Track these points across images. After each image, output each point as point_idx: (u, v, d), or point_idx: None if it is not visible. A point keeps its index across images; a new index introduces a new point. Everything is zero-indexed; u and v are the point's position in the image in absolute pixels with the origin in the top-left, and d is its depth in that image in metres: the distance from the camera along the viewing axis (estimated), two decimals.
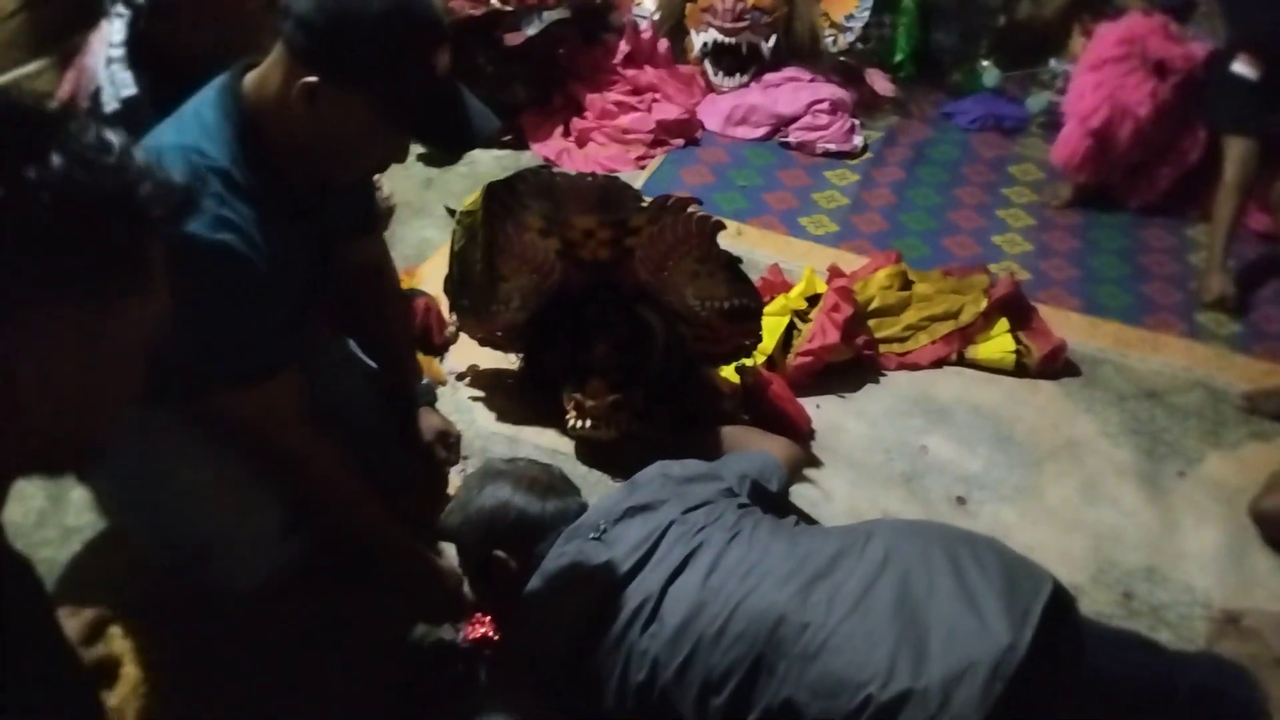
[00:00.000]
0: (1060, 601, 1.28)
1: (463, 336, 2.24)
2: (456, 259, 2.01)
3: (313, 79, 1.24)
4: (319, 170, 1.37)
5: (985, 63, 3.70)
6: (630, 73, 3.33)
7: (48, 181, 0.62)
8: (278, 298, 1.38)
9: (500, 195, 1.91)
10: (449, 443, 1.85)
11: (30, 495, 1.82)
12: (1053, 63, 3.56)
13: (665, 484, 1.51)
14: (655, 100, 3.30)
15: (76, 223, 0.63)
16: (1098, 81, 2.89)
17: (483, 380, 2.20)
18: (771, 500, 1.59)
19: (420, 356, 2.12)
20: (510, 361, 2.19)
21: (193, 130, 1.30)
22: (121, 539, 1.69)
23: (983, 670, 1.17)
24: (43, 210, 0.62)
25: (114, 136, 0.67)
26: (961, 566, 1.28)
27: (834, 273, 2.37)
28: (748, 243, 2.71)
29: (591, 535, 1.42)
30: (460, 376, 2.20)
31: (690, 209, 1.90)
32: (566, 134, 3.20)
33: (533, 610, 1.42)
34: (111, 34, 1.66)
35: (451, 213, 2.05)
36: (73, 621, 1.18)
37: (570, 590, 1.39)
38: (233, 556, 1.54)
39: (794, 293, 2.35)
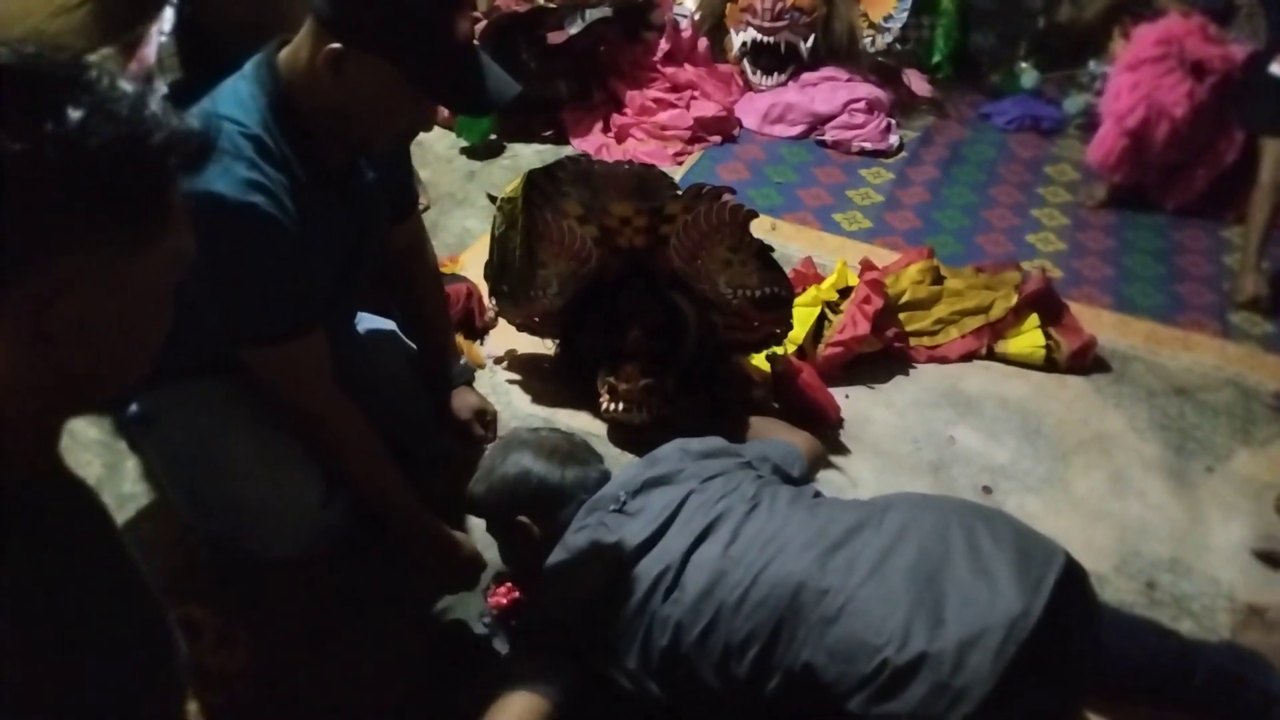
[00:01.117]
0: (1073, 573, 1.31)
1: (501, 322, 2.30)
2: (497, 245, 2.07)
3: (337, 45, 1.30)
4: (349, 138, 1.42)
5: (1024, 64, 3.72)
6: (670, 70, 3.39)
7: (64, 135, 0.64)
8: (307, 263, 1.42)
9: (540, 183, 1.97)
10: (485, 421, 1.90)
11: (88, 463, 1.91)
12: (1092, 65, 3.56)
13: (683, 457, 1.55)
14: (694, 98, 3.35)
15: (95, 172, 0.66)
16: (1135, 82, 2.89)
17: (520, 364, 2.26)
18: (791, 482, 1.62)
19: (461, 340, 2.18)
20: (546, 347, 2.25)
21: (228, 101, 1.36)
22: (165, 510, 1.76)
23: (996, 635, 1.20)
24: (61, 162, 0.64)
25: (128, 86, 0.69)
26: (976, 537, 1.31)
27: (866, 266, 2.41)
28: (782, 237, 2.75)
29: (612, 507, 1.46)
30: (498, 360, 2.26)
31: (724, 198, 1.95)
32: (606, 130, 3.26)
33: (555, 580, 1.46)
34: (164, 22, 1.74)
35: (493, 200, 2.11)
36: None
37: (591, 561, 1.43)
38: (271, 526, 1.59)
39: (826, 284, 2.39)
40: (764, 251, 1.96)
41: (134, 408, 1.58)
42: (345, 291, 1.64)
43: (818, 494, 1.52)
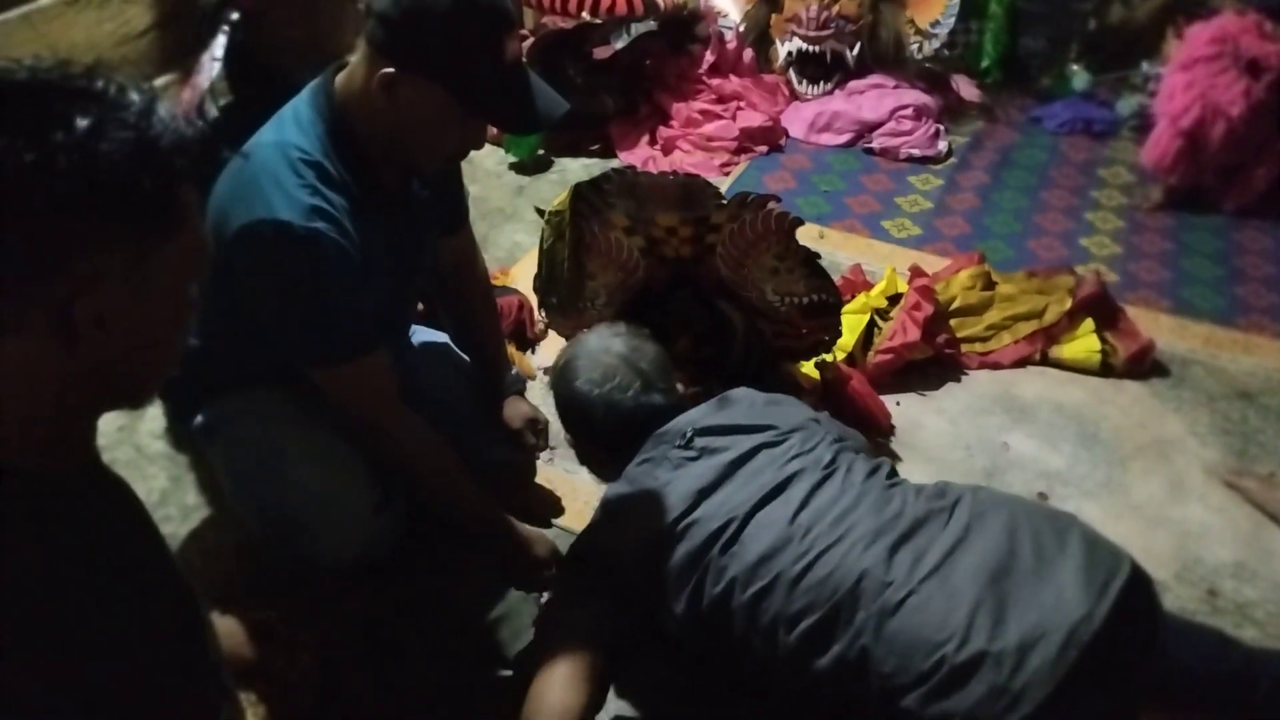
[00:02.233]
0: (1138, 581, 1.28)
1: (552, 333, 2.33)
2: (545, 257, 2.09)
3: (391, 70, 1.34)
4: (403, 160, 1.47)
5: (1075, 67, 3.67)
6: (715, 82, 3.40)
7: (75, 142, 0.68)
8: (368, 284, 1.47)
9: (587, 195, 1.99)
10: (537, 429, 1.93)
11: (153, 476, 1.97)
12: (1145, 66, 3.50)
13: (755, 404, 1.55)
14: (739, 108, 3.36)
15: (107, 177, 0.69)
16: (1189, 81, 2.84)
17: None
18: None
19: (513, 351, 2.21)
20: None
21: (289, 128, 1.41)
22: (233, 517, 1.81)
23: (1057, 638, 1.18)
24: (73, 169, 0.68)
25: (136, 94, 0.73)
26: (1042, 539, 1.30)
27: (915, 272, 2.39)
28: (830, 245, 2.75)
29: (678, 443, 1.47)
30: (549, 371, 2.28)
31: (769, 206, 1.96)
32: (653, 142, 3.28)
33: (612, 512, 1.47)
34: (215, 49, 1.80)
35: (541, 213, 2.14)
36: (229, 623, 1.25)
37: (650, 499, 1.43)
38: (327, 532, 1.63)
39: (875, 291, 2.38)
40: (810, 259, 1.97)
41: (199, 418, 1.63)
42: (401, 306, 1.68)
43: (893, 472, 1.48)
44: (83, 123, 0.68)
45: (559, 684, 1.36)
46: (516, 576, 1.69)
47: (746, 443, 1.45)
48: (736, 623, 1.34)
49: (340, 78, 1.44)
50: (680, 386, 1.80)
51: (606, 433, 1.55)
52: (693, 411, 1.55)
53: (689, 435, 1.47)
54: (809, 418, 1.54)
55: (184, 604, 0.85)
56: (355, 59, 1.43)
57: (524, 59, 1.45)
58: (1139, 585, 1.28)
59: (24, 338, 0.71)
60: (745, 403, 1.56)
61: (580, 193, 2.00)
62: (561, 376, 1.63)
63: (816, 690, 1.32)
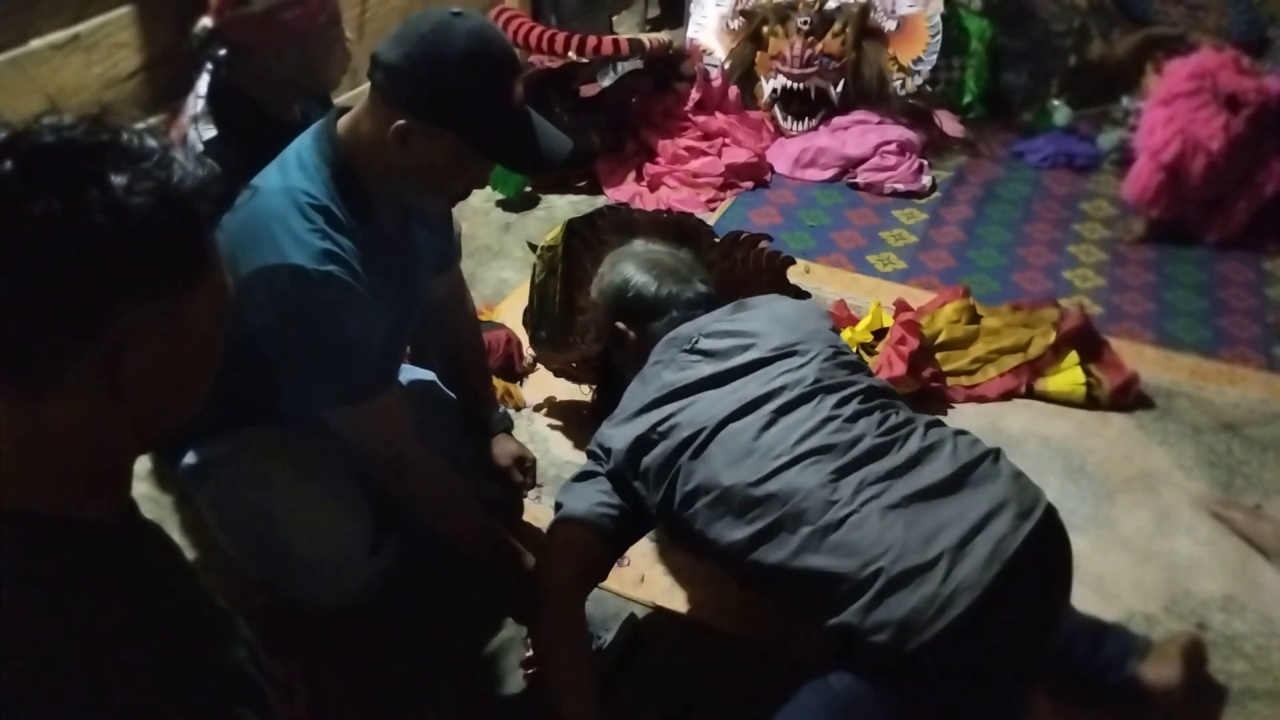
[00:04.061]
0: (1053, 518, 1.40)
1: (540, 367, 2.33)
2: (536, 291, 2.10)
3: (404, 122, 1.36)
4: (409, 202, 1.49)
5: (1056, 102, 3.72)
6: (701, 119, 3.43)
7: (110, 200, 0.69)
8: (376, 324, 1.48)
9: (580, 231, 2.00)
10: (525, 467, 1.93)
11: None
12: (1125, 100, 3.55)
13: (767, 314, 1.64)
14: (725, 145, 3.39)
15: (141, 229, 0.70)
16: (1169, 116, 2.89)
17: (558, 410, 2.28)
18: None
19: (503, 383, 2.22)
20: (584, 393, 2.27)
21: (294, 173, 1.42)
22: (219, 559, 1.80)
23: (984, 550, 1.28)
24: (111, 225, 0.69)
25: (153, 142, 0.73)
26: (978, 470, 1.40)
27: (900, 307, 2.41)
28: (815, 280, 2.77)
29: (684, 347, 1.58)
30: (538, 408, 2.29)
31: (761, 245, 1.97)
32: (639, 179, 3.30)
33: (621, 407, 1.59)
34: (200, 88, 1.82)
35: (533, 248, 2.15)
36: None
37: (648, 395, 1.54)
38: (320, 575, 1.63)
39: (860, 326, 2.39)
40: (799, 298, 1.98)
41: (187, 459, 1.62)
42: (397, 345, 1.69)
43: (872, 394, 1.52)
44: (117, 179, 0.69)
45: (564, 547, 1.51)
46: (525, 607, 1.66)
47: (743, 355, 1.54)
48: (699, 523, 1.44)
49: (344, 123, 1.45)
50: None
51: (657, 314, 1.67)
52: (707, 315, 1.65)
53: (695, 340, 1.58)
54: (813, 331, 1.61)
55: (233, 641, 0.84)
56: (360, 106, 1.44)
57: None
58: (1053, 521, 1.39)
59: (68, 394, 0.72)
60: (761, 309, 1.65)
61: (573, 228, 2.01)
62: (614, 273, 1.76)
63: (774, 589, 1.42)
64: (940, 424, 1.51)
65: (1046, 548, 1.36)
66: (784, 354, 1.54)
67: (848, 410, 1.46)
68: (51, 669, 0.71)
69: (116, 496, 0.81)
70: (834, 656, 1.35)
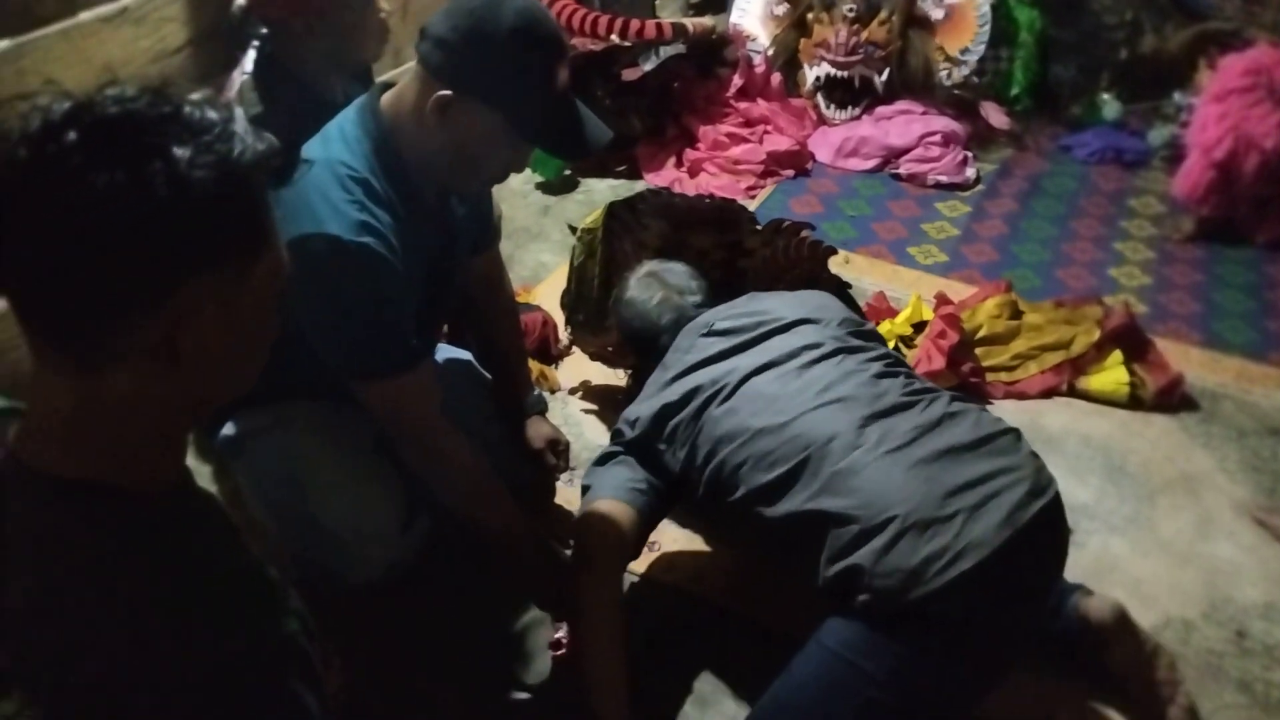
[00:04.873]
0: (1060, 504, 1.41)
1: (575, 350, 2.33)
2: (575, 274, 2.09)
3: (446, 92, 1.35)
4: (446, 180, 1.48)
5: (1106, 96, 3.65)
6: (743, 105, 3.41)
7: (173, 172, 0.69)
8: (410, 299, 1.48)
9: (620, 214, 1.99)
10: (558, 450, 1.93)
11: None
12: (1177, 96, 3.48)
13: (782, 298, 1.70)
14: (766, 132, 3.37)
15: (203, 201, 0.70)
16: (1222, 113, 2.82)
17: (593, 394, 2.28)
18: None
19: (539, 365, 2.22)
20: (618, 378, 2.27)
21: (337, 145, 1.42)
22: (255, 531, 1.81)
23: (999, 514, 1.31)
24: (173, 197, 0.68)
25: (214, 114, 0.73)
26: (999, 442, 1.43)
27: (941, 300, 2.38)
28: (855, 271, 2.74)
29: (703, 331, 1.63)
30: (573, 391, 2.28)
31: (803, 234, 1.95)
32: (679, 164, 3.29)
33: (644, 388, 1.65)
34: (245, 64, 1.82)
35: (573, 230, 2.15)
36: None
37: (671, 371, 1.60)
38: (354, 549, 1.63)
39: (899, 318, 2.36)
40: (842, 288, 1.95)
41: (226, 430, 1.64)
42: (432, 323, 1.69)
43: (898, 363, 1.58)
44: (180, 152, 0.69)
45: (599, 527, 1.52)
46: (542, 598, 1.67)
47: (761, 327, 1.59)
48: (723, 473, 1.47)
49: (388, 97, 1.45)
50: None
51: (658, 347, 1.73)
52: (722, 305, 1.71)
53: (711, 324, 1.64)
54: (827, 306, 1.68)
55: (286, 613, 0.84)
56: (405, 79, 1.44)
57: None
58: (1059, 506, 1.42)
59: (130, 367, 0.73)
60: (775, 295, 1.72)
61: (614, 211, 2.00)
62: (618, 317, 1.86)
63: (788, 536, 1.42)
64: (961, 398, 1.53)
65: (1052, 527, 1.40)
66: (802, 321, 1.60)
67: (873, 369, 1.51)
68: (107, 637, 0.72)
69: (172, 466, 0.82)
70: (832, 606, 1.37)
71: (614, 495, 1.54)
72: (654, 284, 1.80)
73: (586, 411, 2.24)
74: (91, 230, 0.68)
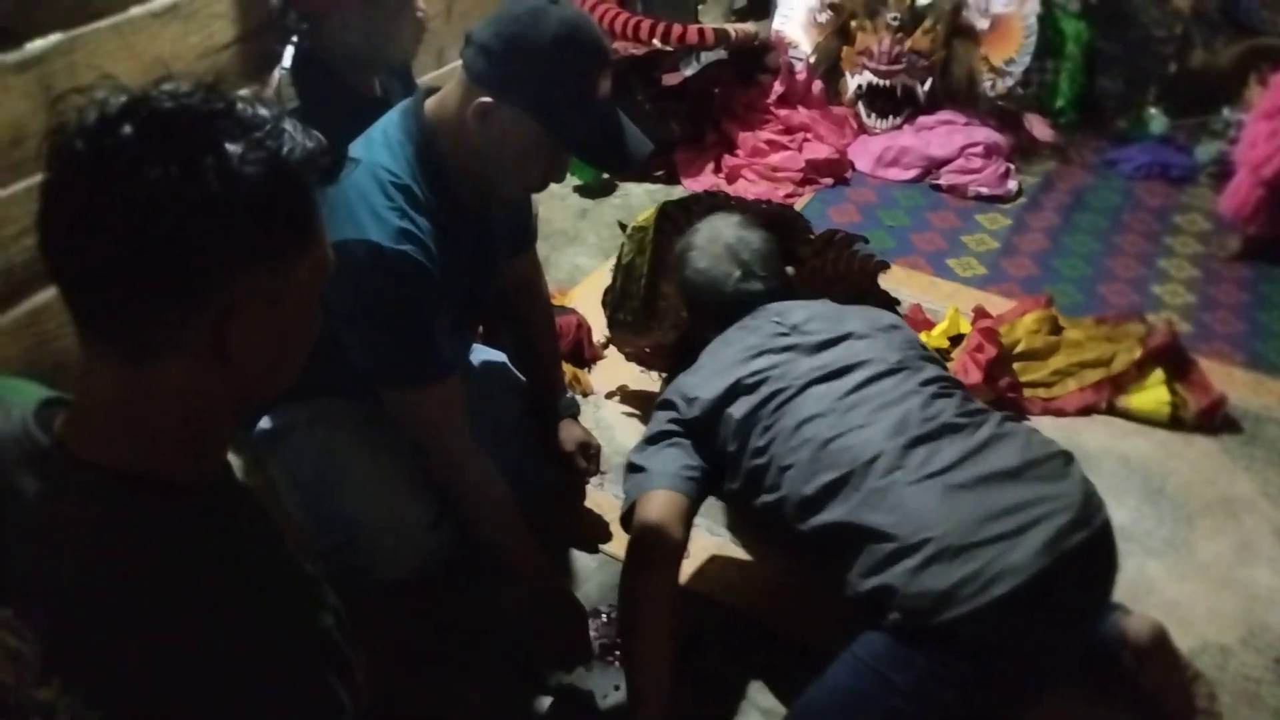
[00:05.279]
0: (1109, 532, 1.40)
1: (609, 354, 2.33)
2: (622, 271, 2.08)
3: (488, 99, 1.36)
4: (486, 186, 1.48)
5: (1153, 110, 3.60)
6: (783, 112, 3.39)
7: (225, 167, 0.69)
8: (445, 306, 1.49)
9: (673, 215, 1.99)
10: (589, 454, 1.92)
11: None
12: (1226, 112, 3.42)
13: (850, 309, 1.70)
14: (806, 140, 3.35)
15: (252, 197, 0.71)
16: (1272, 130, 2.76)
17: (631, 400, 2.28)
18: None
19: (572, 368, 2.22)
20: (653, 380, 2.26)
21: (380, 149, 1.43)
22: (288, 525, 1.82)
23: (1040, 540, 1.29)
24: (225, 192, 0.69)
25: (265, 111, 0.74)
26: (1048, 467, 1.41)
27: (979, 313, 2.35)
28: (892, 282, 2.68)
29: (774, 318, 1.63)
30: (609, 395, 2.28)
31: (855, 247, 1.94)
32: (717, 170, 3.28)
33: (701, 364, 1.63)
34: (285, 60, 1.84)
35: (623, 227, 2.14)
36: None
37: (736, 353, 1.59)
38: (383, 546, 1.64)
39: (936, 331, 2.34)
40: (890, 304, 1.94)
41: (262, 424, 1.65)
42: (468, 326, 1.70)
43: (951, 384, 1.57)
44: (232, 147, 0.70)
45: (661, 514, 1.49)
46: (547, 640, 1.62)
47: (831, 330, 1.59)
48: (768, 475, 1.47)
49: (431, 102, 1.46)
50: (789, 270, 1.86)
51: (714, 313, 1.72)
52: (799, 303, 1.69)
53: (779, 315, 1.63)
54: (893, 324, 1.68)
55: (322, 608, 0.85)
56: (449, 85, 1.44)
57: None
58: (1108, 535, 1.39)
59: (178, 359, 0.74)
60: (851, 310, 1.70)
61: (666, 211, 2.00)
62: (677, 264, 1.81)
63: (822, 547, 1.41)
64: (1013, 419, 1.52)
65: (1097, 558, 1.38)
66: (866, 335, 1.59)
67: (929, 390, 1.50)
68: (148, 626, 0.72)
69: (215, 459, 0.83)
70: (863, 621, 1.36)
71: (670, 485, 1.51)
72: (730, 259, 1.74)
73: (626, 415, 2.24)
74: (144, 223, 0.68)
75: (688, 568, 1.85)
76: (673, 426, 1.58)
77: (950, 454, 1.39)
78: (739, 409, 1.52)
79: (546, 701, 1.62)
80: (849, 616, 1.40)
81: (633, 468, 1.58)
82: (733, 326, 1.66)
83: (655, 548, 1.48)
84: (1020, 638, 1.30)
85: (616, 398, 2.28)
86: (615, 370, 2.32)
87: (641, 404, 2.26)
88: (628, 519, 1.54)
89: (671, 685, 1.46)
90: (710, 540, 1.91)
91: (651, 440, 1.59)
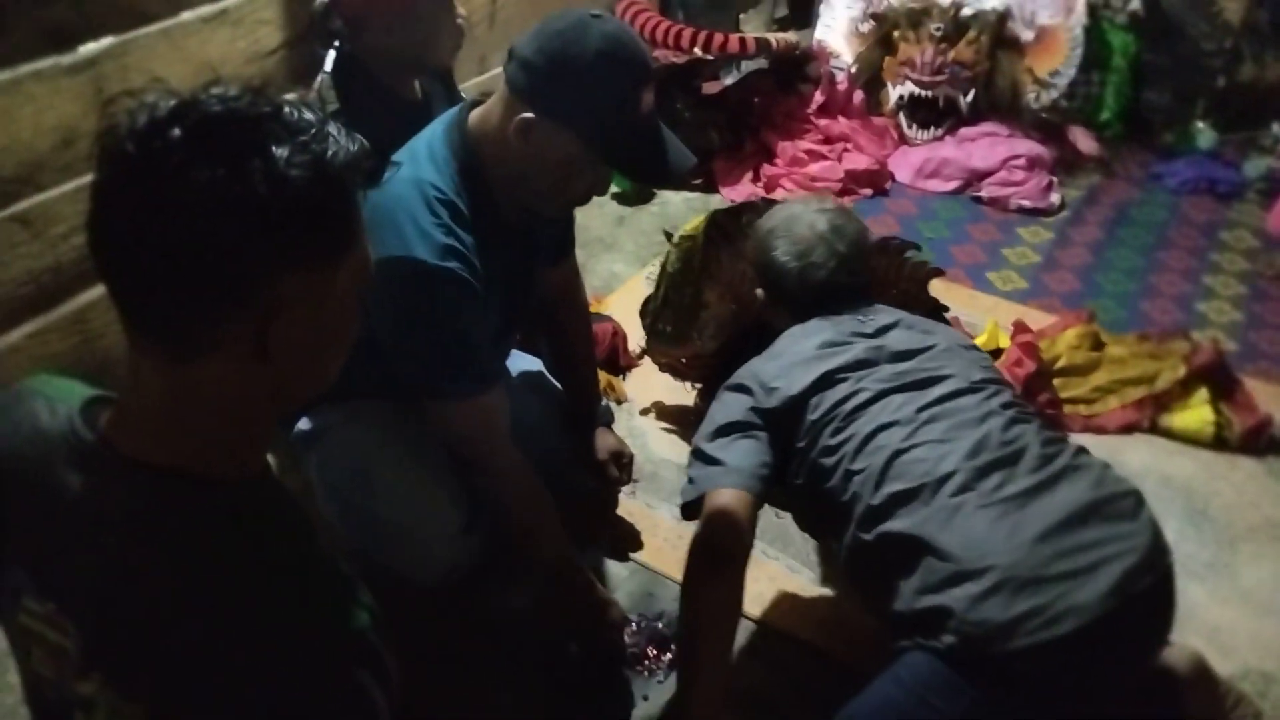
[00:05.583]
0: (1172, 576, 1.37)
1: (643, 363, 2.32)
2: (666, 280, 2.06)
3: (530, 114, 1.36)
4: (528, 201, 1.49)
5: (1200, 124, 3.54)
6: (823, 122, 3.38)
7: (271, 170, 0.70)
8: (489, 319, 1.49)
9: (723, 224, 1.98)
10: (622, 463, 1.92)
11: None
12: (1275, 127, 3.37)
13: (928, 322, 1.66)
14: (846, 150, 3.33)
15: (297, 200, 0.72)
16: None
17: (666, 415, 2.26)
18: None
19: (606, 375, 2.21)
20: (687, 391, 2.25)
21: (425, 164, 1.44)
22: (321, 526, 1.84)
23: (1107, 582, 1.25)
24: (271, 195, 0.70)
25: (310, 116, 0.75)
26: (1119, 505, 1.36)
27: (1019, 328, 2.32)
28: (932, 294, 2.69)
29: (860, 317, 1.59)
30: (644, 412, 2.26)
31: (907, 254, 1.92)
32: (755, 179, 3.27)
33: (779, 350, 1.58)
34: (326, 63, 1.86)
35: (668, 236, 2.12)
36: None
37: (817, 346, 1.54)
38: (415, 550, 1.66)
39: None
40: (938, 310, 1.92)
41: (300, 424, 1.67)
42: (508, 335, 1.71)
43: (1026, 413, 1.51)
44: (279, 151, 0.71)
45: (736, 514, 1.43)
46: (584, 636, 1.65)
47: (915, 340, 1.56)
48: (834, 477, 1.44)
49: (475, 115, 1.47)
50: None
51: (798, 299, 1.66)
52: (880, 305, 1.66)
53: (862, 313, 1.60)
54: (970, 344, 1.65)
55: (357, 606, 0.86)
56: (493, 99, 1.45)
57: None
58: (1171, 579, 1.36)
59: (221, 359, 0.75)
60: (940, 329, 1.67)
61: (717, 220, 1.99)
62: (763, 242, 1.71)
63: (881, 558, 1.38)
64: (1087, 451, 1.47)
65: (1160, 602, 1.35)
66: (949, 349, 1.56)
67: (1010, 413, 1.46)
68: (188, 621, 0.73)
69: (256, 457, 0.84)
70: (905, 635, 1.33)
71: (744, 485, 1.45)
72: (827, 247, 1.65)
73: (654, 423, 2.23)
74: (191, 224, 0.70)
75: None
76: (751, 416, 1.51)
77: (1024, 482, 1.35)
78: (817, 406, 1.48)
79: (573, 709, 1.62)
80: (894, 632, 1.37)
81: (704, 457, 1.50)
82: (815, 317, 1.61)
83: (726, 551, 1.42)
84: (1076, 676, 1.26)
85: (652, 414, 2.26)
86: (650, 378, 2.31)
87: (676, 419, 2.24)
88: (692, 508, 1.48)
89: (726, 696, 1.43)
90: None
91: (726, 429, 1.51)
